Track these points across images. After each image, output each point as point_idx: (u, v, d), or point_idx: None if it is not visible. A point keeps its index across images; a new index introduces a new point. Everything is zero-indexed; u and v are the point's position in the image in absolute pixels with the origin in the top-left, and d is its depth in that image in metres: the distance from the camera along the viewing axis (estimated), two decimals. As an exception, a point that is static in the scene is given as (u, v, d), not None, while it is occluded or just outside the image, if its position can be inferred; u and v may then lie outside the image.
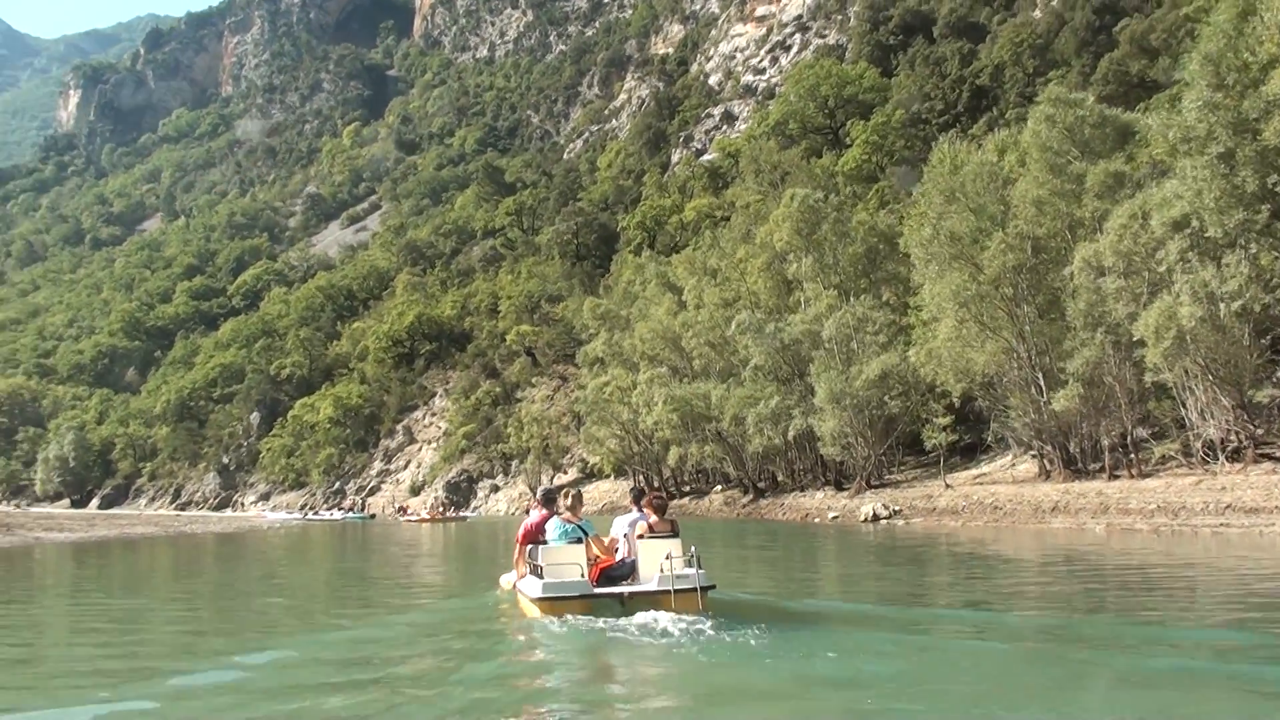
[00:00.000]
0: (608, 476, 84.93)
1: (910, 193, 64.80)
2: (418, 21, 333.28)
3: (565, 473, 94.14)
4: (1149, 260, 32.03)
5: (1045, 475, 39.72)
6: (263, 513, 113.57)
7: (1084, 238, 36.36)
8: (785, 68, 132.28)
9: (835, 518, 45.59)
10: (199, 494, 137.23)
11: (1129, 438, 35.56)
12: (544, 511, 14.56)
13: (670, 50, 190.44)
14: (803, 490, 55.57)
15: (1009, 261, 37.10)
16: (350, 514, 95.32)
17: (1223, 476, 30.61)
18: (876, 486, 48.93)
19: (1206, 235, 29.70)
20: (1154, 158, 35.60)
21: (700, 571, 12.63)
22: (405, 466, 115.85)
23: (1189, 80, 30.58)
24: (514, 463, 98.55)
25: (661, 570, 12.72)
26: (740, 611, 13.27)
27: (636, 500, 14.62)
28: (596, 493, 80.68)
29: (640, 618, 12.36)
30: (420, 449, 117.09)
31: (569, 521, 13.94)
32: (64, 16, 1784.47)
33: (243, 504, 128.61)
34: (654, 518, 13.80)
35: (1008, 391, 40.61)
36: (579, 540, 13.65)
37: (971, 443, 49.63)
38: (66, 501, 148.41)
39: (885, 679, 9.96)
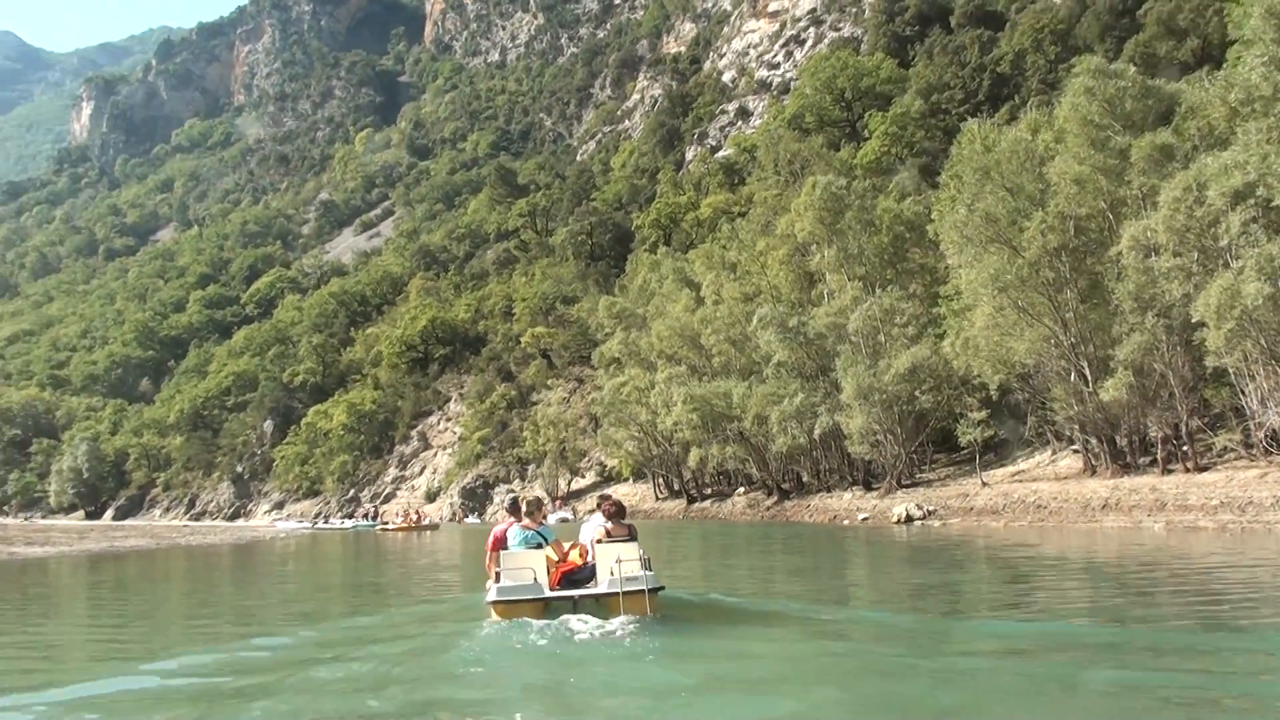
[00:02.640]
0: (626, 479, 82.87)
1: (935, 185, 62.73)
2: (428, 27, 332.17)
3: (583, 476, 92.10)
4: (1205, 236, 29.72)
5: (1091, 471, 37.41)
6: (273, 522, 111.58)
7: (1128, 216, 34.08)
8: (800, 62, 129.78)
9: (866, 519, 43.43)
10: (213, 504, 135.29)
11: (1182, 429, 33.27)
12: (510, 519, 15.04)
13: (682, 49, 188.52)
14: (829, 491, 53.40)
15: (1050, 243, 34.81)
16: (361, 522, 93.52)
17: (1291, 468, 28.34)
18: (908, 486, 46.73)
19: (1273, 205, 27.36)
20: (1203, 129, 33.30)
21: (649, 574, 13.18)
22: (420, 473, 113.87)
23: (1249, 38, 28.17)
24: (530, 467, 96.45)
25: (611, 573, 13.14)
26: (689, 613, 14.04)
27: (522, 510, 15.09)
28: (615, 496, 78.21)
29: (577, 619, 12.85)
30: (435, 455, 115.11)
31: (528, 528, 14.60)
32: (77, 30, 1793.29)
33: (254, 513, 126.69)
34: (610, 524, 14.22)
35: (1048, 382, 38.35)
36: (538, 545, 14.30)
37: (1006, 438, 47.32)
38: (81, 514, 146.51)
39: (809, 682, 10.02)
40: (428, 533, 69.12)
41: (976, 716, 8.40)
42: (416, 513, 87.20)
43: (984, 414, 42.99)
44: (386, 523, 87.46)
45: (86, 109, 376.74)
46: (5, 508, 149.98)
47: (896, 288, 48.92)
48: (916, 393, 44.49)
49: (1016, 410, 45.64)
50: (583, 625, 12.60)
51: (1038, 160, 37.52)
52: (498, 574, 13.85)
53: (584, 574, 14.03)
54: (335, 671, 11.49)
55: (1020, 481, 40.67)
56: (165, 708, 10.12)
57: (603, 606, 13.04)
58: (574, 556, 14.44)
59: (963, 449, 47.50)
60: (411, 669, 11.53)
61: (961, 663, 10.92)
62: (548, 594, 13.50)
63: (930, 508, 40.62)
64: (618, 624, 12.50)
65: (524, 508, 14.96)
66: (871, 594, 19.73)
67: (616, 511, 14.43)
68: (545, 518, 15.61)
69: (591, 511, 16.77)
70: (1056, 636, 12.56)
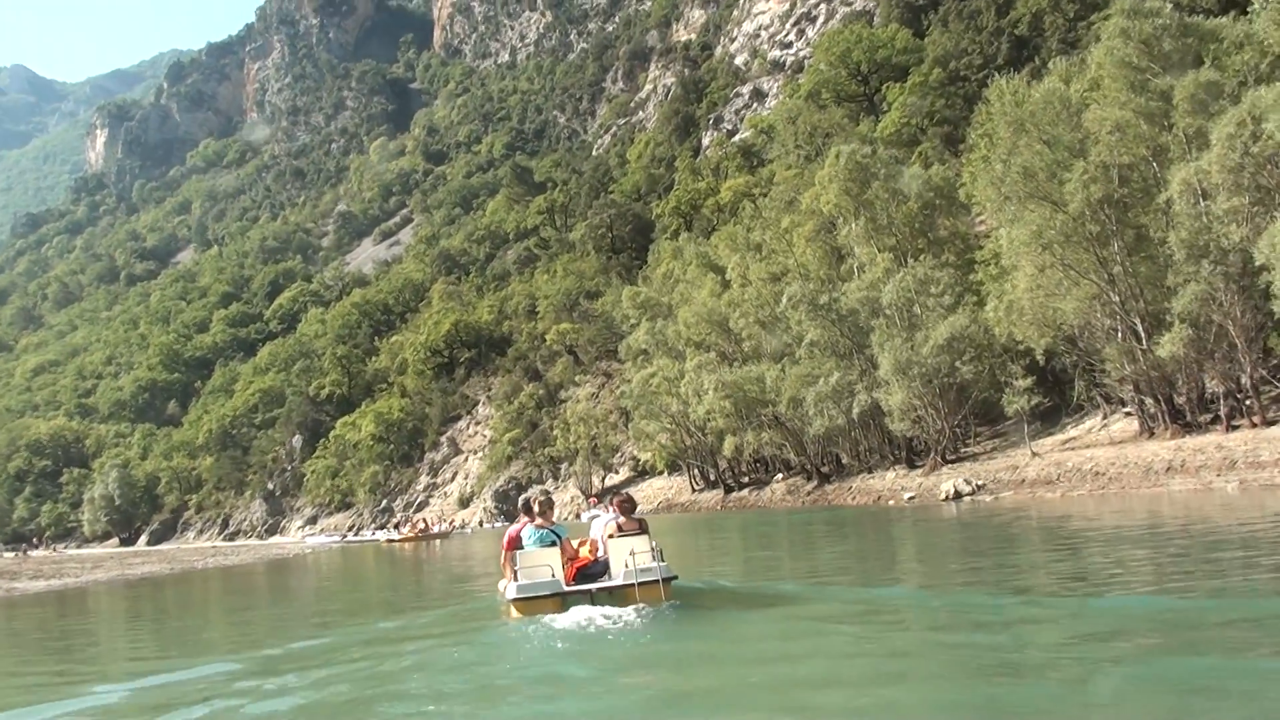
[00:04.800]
0: (661, 473, 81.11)
1: (958, 153, 61.02)
2: (437, 32, 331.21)
3: (617, 472, 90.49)
4: (1262, 173, 27.82)
5: (1148, 433, 35.53)
6: (304, 539, 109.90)
7: (1175, 161, 32.18)
8: (813, 39, 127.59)
9: (912, 498, 41.73)
10: (246, 523, 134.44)
11: (1245, 382, 31.37)
12: (524, 519, 15.22)
13: (693, 36, 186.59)
14: (871, 472, 51.67)
15: (1093, 194, 32.89)
16: (381, 533, 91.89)
17: (1372, 416, 26.41)
18: (953, 461, 44.99)
19: (1338, 134, 25.49)
20: (1250, 63, 31.39)
21: (662, 564, 13.75)
22: (453, 479, 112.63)
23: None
24: (563, 466, 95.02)
25: (626, 565, 13.59)
26: (702, 600, 14.52)
27: (536, 511, 15.28)
28: (650, 490, 76.81)
29: (594, 611, 13.09)
30: (466, 459, 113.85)
31: (542, 527, 14.83)
32: (88, 59, 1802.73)
33: (288, 529, 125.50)
34: (622, 518, 14.62)
35: (1098, 343, 36.44)
36: (553, 543, 14.53)
37: (1052, 406, 45.44)
38: (115, 541, 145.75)
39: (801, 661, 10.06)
40: (438, 541, 64.13)
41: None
42: (424, 520, 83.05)
43: (1029, 381, 41.07)
44: (392, 535, 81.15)
45: (101, 137, 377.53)
46: (37, 539, 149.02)
47: (929, 257, 47.06)
48: (957, 364, 42.68)
49: (1061, 375, 43.81)
50: (599, 616, 12.93)
51: (1074, 110, 35.61)
52: (515, 573, 14.21)
53: (597, 568, 14.54)
54: (352, 671, 11.69)
55: (1073, 449, 38.79)
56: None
57: (618, 598, 13.50)
58: (584, 552, 14.93)
59: (1007, 419, 45.70)
60: (432, 664, 11.73)
61: (961, 638, 10.63)
62: (566, 589, 13.85)
63: (979, 482, 38.83)
64: (633, 612, 12.92)
65: (536, 507, 15.15)
66: (886, 572, 18.88)
67: (628, 507, 14.91)
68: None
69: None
70: (1120, 613, 11.21)
